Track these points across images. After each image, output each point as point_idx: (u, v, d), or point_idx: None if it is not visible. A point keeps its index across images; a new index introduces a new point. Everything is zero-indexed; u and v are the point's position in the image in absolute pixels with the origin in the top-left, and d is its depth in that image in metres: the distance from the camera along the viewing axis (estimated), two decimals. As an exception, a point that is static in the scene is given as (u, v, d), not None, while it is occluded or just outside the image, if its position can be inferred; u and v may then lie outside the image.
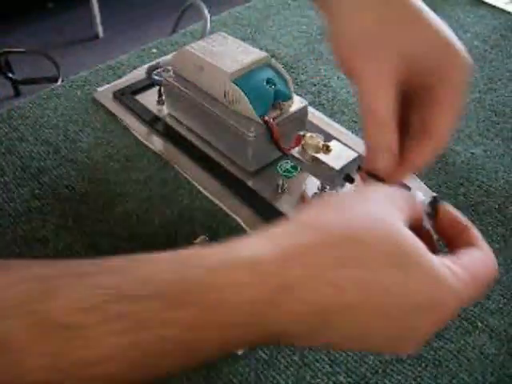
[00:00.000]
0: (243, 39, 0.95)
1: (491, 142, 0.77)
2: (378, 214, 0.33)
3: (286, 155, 0.69)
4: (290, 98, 0.69)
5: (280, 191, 0.68)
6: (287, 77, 0.70)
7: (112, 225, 0.65)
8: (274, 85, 0.68)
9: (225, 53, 0.70)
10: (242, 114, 0.67)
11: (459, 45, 0.40)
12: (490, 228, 0.65)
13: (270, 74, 0.69)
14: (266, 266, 0.31)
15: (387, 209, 0.33)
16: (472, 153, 0.75)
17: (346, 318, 0.30)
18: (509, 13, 1.05)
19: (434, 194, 0.69)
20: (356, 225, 0.32)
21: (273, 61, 0.70)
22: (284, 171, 0.71)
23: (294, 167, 0.71)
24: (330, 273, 0.30)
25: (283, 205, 0.67)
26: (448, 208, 0.41)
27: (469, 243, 0.38)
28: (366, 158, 0.42)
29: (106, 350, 0.28)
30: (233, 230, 0.65)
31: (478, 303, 0.58)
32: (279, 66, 0.70)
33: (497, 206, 0.68)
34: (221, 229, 0.65)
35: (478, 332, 0.56)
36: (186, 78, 0.73)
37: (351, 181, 0.62)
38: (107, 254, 0.33)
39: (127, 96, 0.83)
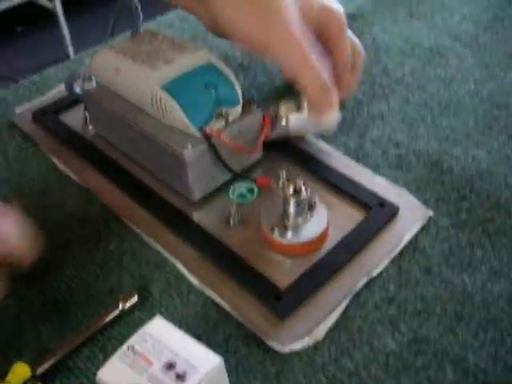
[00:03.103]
0: (193, 39, 0.80)
1: (495, 141, 0.62)
2: None
3: (238, 175, 0.54)
4: (236, 103, 0.53)
5: (232, 223, 0.53)
6: (233, 78, 0.55)
7: (17, 284, 0.49)
8: (216, 89, 0.53)
9: (153, 53, 0.55)
10: (175, 128, 0.52)
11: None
12: (504, 251, 0.50)
13: (210, 75, 0.54)
14: None
15: None
16: (473, 156, 0.60)
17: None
18: (501, -11, 0.90)
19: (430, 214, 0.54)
20: None
21: (215, 60, 0.55)
22: (238, 196, 0.56)
23: (250, 190, 0.56)
24: None
25: (237, 242, 0.51)
26: None
27: None
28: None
29: None
30: (172, 279, 0.49)
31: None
32: (223, 66, 0.55)
33: (511, 223, 0.53)
34: (156, 279, 0.49)
35: None
36: (109, 86, 0.58)
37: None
38: None
39: (49, 116, 0.68)
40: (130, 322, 0.47)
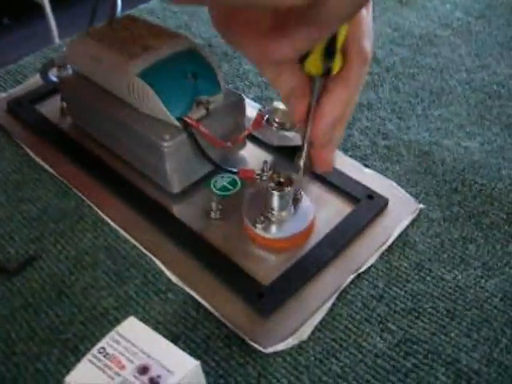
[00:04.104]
0: (177, 28, 0.77)
1: (488, 132, 0.60)
2: None
3: (220, 167, 0.52)
4: (217, 91, 0.51)
5: (214, 217, 0.50)
6: (215, 66, 0.52)
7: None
8: (196, 76, 0.50)
9: (130, 39, 0.53)
10: (153, 117, 0.50)
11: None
12: (498, 246, 0.48)
13: (190, 62, 0.51)
14: None
15: None
16: (465, 147, 0.58)
17: None
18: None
19: (421, 207, 0.52)
20: None
21: (196, 46, 0.53)
22: (219, 189, 0.53)
23: (233, 182, 0.54)
24: None
25: (218, 237, 0.49)
26: None
27: None
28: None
29: None
30: (149, 276, 0.47)
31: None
32: (205, 52, 0.53)
33: (505, 216, 0.50)
34: (132, 276, 0.47)
35: None
36: (85, 74, 0.55)
37: None
38: None
39: (24, 106, 0.65)
40: (105, 322, 0.44)
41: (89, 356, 0.36)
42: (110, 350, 0.36)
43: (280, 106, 0.54)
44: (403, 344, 0.42)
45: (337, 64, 0.35)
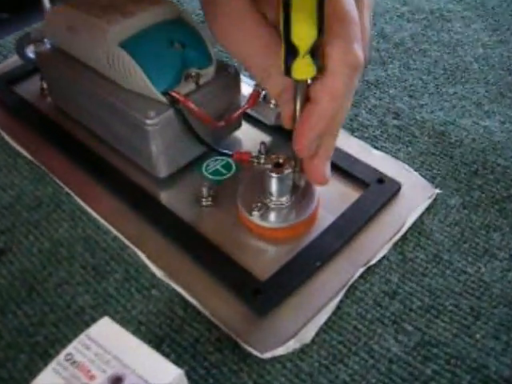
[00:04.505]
0: None
1: (509, 110, 0.54)
2: None
3: (212, 149, 0.46)
4: (208, 64, 0.45)
5: (205, 205, 0.45)
6: (205, 35, 0.46)
7: None
8: (184, 46, 0.44)
9: (111, 6, 0.47)
10: (136, 93, 0.44)
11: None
12: (525, 236, 0.42)
13: (177, 31, 0.46)
14: None
15: None
16: (484, 126, 0.52)
17: None
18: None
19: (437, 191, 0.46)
20: None
21: (184, 15, 0.47)
22: (212, 173, 0.48)
23: (227, 166, 0.48)
24: None
25: (209, 226, 0.43)
26: None
27: None
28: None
29: None
30: (131, 270, 0.41)
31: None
32: (194, 22, 0.47)
33: (532, 202, 0.45)
34: (112, 270, 0.41)
35: None
36: (63, 47, 0.50)
37: None
38: None
39: (1, 87, 0.59)
40: (79, 323, 0.39)
41: (53, 364, 0.31)
42: (78, 357, 0.31)
43: None
44: (421, 347, 0.36)
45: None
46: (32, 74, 0.61)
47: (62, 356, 0.31)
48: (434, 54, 0.63)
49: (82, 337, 0.31)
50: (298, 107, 0.35)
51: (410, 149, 0.51)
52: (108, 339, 0.31)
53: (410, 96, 0.57)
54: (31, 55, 0.57)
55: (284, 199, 0.43)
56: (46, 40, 0.54)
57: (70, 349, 0.31)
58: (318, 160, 0.37)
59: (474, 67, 0.61)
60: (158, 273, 0.41)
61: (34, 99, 0.58)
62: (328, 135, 0.36)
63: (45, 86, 0.57)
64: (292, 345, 0.37)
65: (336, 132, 0.36)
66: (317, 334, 0.37)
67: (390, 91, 0.57)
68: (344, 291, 0.40)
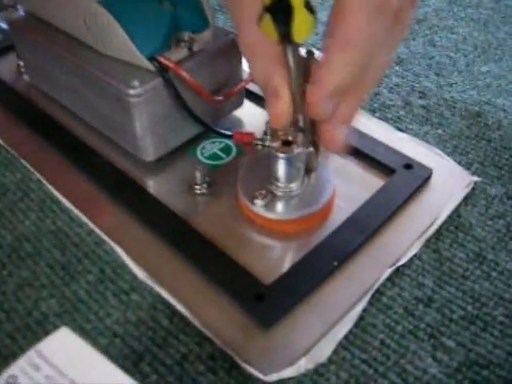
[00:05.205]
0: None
1: (552, 90, 0.47)
2: None
3: (209, 128, 0.40)
4: (204, 27, 0.38)
5: (200, 193, 0.38)
6: (202, -6, 0.40)
7: None
8: (175, 6, 0.38)
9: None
10: (119, 60, 0.37)
11: None
12: None
13: (168, -13, 0.39)
14: None
15: None
16: (526, 107, 0.45)
17: None
18: None
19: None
20: None
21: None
22: (208, 157, 0.41)
23: (226, 149, 0.41)
24: None
25: (204, 218, 0.36)
26: None
27: None
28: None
29: None
30: (107, 270, 0.34)
31: None
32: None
33: None
34: (84, 269, 0.34)
35: None
36: (37, 13, 0.43)
37: None
38: None
39: (-27, 64, 0.53)
40: (40, 333, 0.32)
41: (-7, 388, 0.23)
42: (23, 380, 0.24)
43: None
44: (467, 368, 0.29)
45: (301, 27, 0.26)
46: (7, 52, 0.55)
47: (2, 379, 0.24)
48: (461, 31, 0.56)
49: (30, 353, 0.25)
50: (292, 72, 0.29)
51: (439, 131, 0.44)
52: (63, 356, 0.25)
53: (437, 74, 0.50)
54: (2, 24, 0.50)
55: (293, 186, 0.36)
56: (19, 6, 0.47)
57: (13, 369, 0.24)
58: (332, 123, 0.31)
59: (508, 44, 0.54)
60: (140, 273, 0.35)
61: (10, 78, 0.53)
62: (348, 96, 0.29)
63: (21, 63, 0.51)
64: (303, 365, 0.30)
65: (360, 94, 0.29)
66: (335, 352, 0.30)
67: (414, 69, 0.51)
68: (368, 297, 0.33)
